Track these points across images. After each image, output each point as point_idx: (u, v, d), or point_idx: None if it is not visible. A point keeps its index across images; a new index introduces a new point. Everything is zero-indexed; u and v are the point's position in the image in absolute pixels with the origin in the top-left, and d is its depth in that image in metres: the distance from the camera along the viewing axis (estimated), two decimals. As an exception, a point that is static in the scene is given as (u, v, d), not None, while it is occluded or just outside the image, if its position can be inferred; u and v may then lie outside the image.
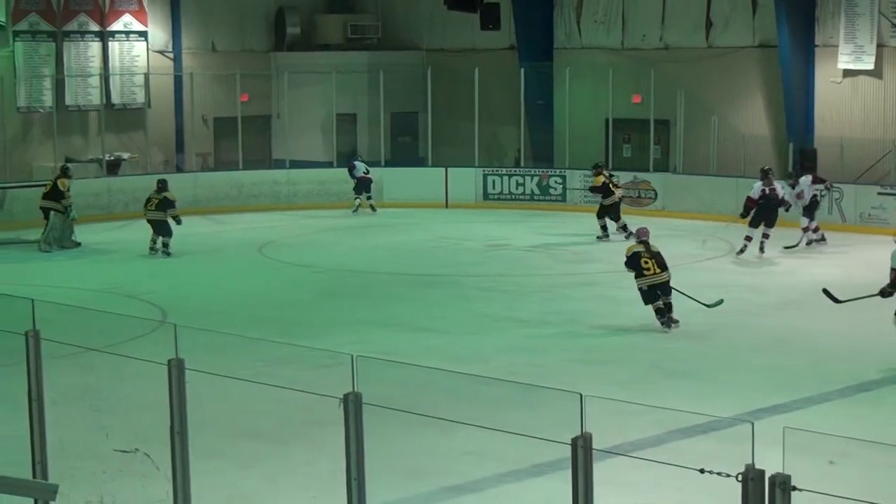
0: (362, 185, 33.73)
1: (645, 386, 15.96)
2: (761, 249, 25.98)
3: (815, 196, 27.21)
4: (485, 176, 35.27)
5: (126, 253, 26.47)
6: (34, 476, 9.52)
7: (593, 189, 29.84)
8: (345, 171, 35.17)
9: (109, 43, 36.22)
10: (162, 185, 27.27)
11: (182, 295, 22.79)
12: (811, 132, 31.65)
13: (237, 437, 13.53)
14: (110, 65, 36.20)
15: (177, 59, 37.64)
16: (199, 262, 25.57)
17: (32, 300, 9.73)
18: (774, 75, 31.96)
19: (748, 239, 26.07)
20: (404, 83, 37.77)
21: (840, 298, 18.25)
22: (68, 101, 35.53)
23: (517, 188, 34.98)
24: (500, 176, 35.22)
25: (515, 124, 36.07)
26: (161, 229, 26.81)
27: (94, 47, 36.03)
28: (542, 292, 22.71)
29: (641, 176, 33.38)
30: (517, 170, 35.50)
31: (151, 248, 26.85)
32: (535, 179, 34.92)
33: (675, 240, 28.46)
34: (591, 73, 35.30)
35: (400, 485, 11.66)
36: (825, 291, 18.43)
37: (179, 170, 36.27)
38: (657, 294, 19.43)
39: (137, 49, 36.74)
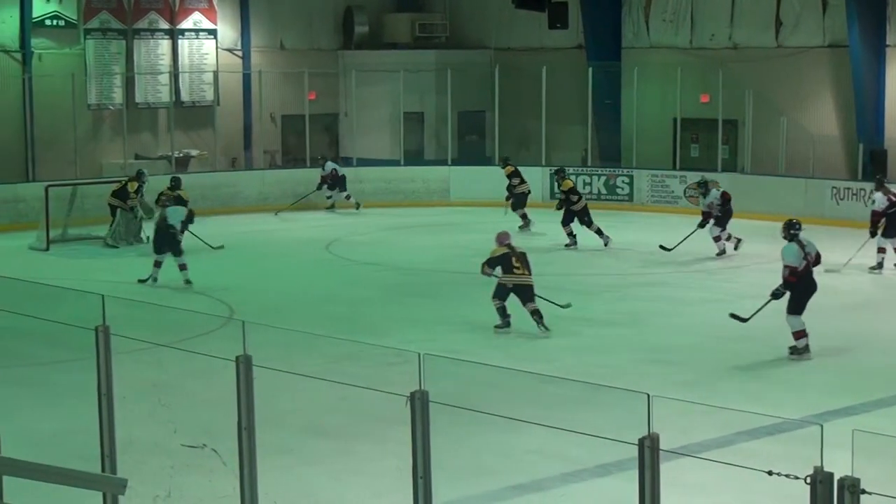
0: (336, 182, 33.71)
1: (712, 387, 15.88)
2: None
3: None
4: (551, 175, 35.15)
5: (194, 249, 26.57)
6: (103, 470, 9.59)
7: (568, 193, 27.93)
8: (410, 169, 35.35)
9: (179, 41, 36.47)
10: (175, 183, 27.14)
11: (249, 291, 22.89)
12: (881, 133, 31.39)
13: (303, 433, 13.57)
14: (180, 62, 36.46)
15: (245, 57, 37.85)
16: (266, 260, 25.68)
17: (102, 296, 9.80)
18: (845, 75, 31.70)
19: (882, 251, 24.74)
20: (472, 82, 37.75)
21: (745, 317, 18.15)
22: (138, 98, 35.80)
23: (584, 187, 34.83)
24: (568, 175, 35.10)
25: (583, 124, 35.97)
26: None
27: (164, 45, 36.29)
28: (608, 292, 22.65)
29: (709, 176, 33.13)
30: (584, 169, 35.41)
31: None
32: (603, 179, 34.82)
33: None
34: (659, 72, 35.16)
35: (465, 483, 11.66)
36: (732, 315, 18.35)
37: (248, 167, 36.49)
38: (510, 294, 19.19)
39: (207, 47, 36.97)
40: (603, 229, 27.48)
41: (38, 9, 33.76)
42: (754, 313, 17.98)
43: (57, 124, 33.67)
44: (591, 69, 35.49)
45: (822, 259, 18.35)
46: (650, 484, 6.74)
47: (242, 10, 37.81)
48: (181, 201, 26.15)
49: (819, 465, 6.22)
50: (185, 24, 36.55)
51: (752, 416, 12.82)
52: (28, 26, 33.50)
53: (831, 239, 28.03)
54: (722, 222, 26.36)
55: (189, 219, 23.96)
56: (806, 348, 17.32)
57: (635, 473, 6.79)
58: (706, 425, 13.16)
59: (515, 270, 19.13)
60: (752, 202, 32.10)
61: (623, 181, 34.54)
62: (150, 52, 36.08)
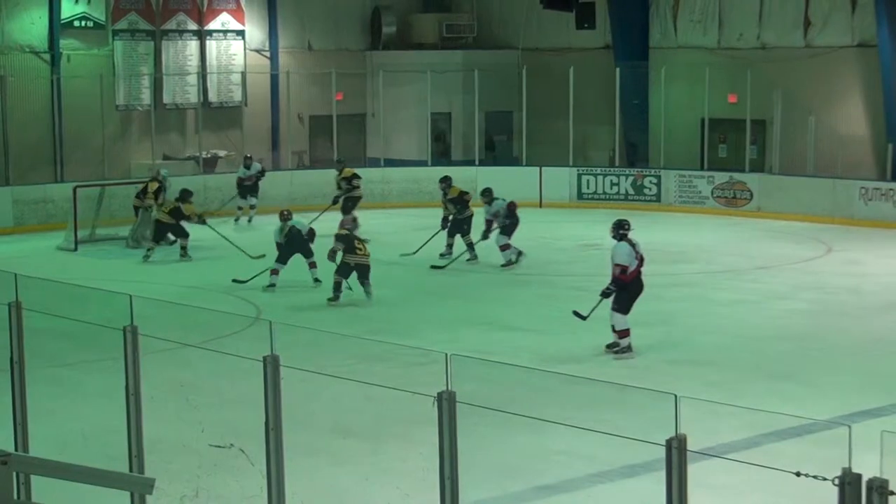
0: (248, 189, 32.21)
1: (739, 387, 15.84)
2: None
3: None
4: (579, 175, 35.17)
5: (222, 249, 26.59)
6: (130, 470, 9.62)
7: (454, 201, 26.66)
8: (438, 169, 35.30)
9: (207, 42, 36.56)
10: (182, 195, 27.00)
11: (276, 291, 22.91)
12: (911, 133, 31.26)
13: (330, 433, 13.58)
14: (208, 63, 36.54)
15: (273, 58, 37.92)
16: (293, 260, 25.64)
17: (130, 296, 9.83)
18: (874, 75, 31.56)
19: None
20: (499, 82, 37.72)
21: (584, 314, 18.21)
22: (166, 99, 35.90)
23: (611, 188, 34.86)
24: (595, 175, 35.11)
25: (610, 124, 35.93)
26: (161, 233, 26.90)
27: (192, 46, 36.38)
28: (636, 292, 22.58)
29: (737, 176, 33.13)
30: (612, 169, 35.38)
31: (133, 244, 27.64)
32: (630, 179, 34.77)
33: (771, 241, 28.31)
34: (687, 72, 35.07)
35: (492, 484, 11.65)
36: (574, 313, 18.36)
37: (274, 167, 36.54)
38: (351, 273, 21.66)
39: (235, 48, 37.05)
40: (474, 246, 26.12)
41: (67, 10, 33.88)
42: (591, 311, 18.06)
43: (85, 125, 33.80)
44: (618, 69, 35.43)
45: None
46: (678, 485, 6.73)
47: (270, 11, 37.87)
48: (179, 215, 26.15)
49: (847, 466, 6.19)
50: (213, 24, 36.63)
51: (779, 416, 12.79)
52: (57, 27, 33.62)
53: (860, 240, 28.05)
54: (508, 231, 25.54)
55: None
56: (629, 347, 17.48)
57: (663, 474, 6.78)
58: (734, 426, 13.12)
59: (358, 251, 21.68)
60: (780, 202, 32.07)
61: (651, 181, 34.49)
62: (178, 52, 36.18)
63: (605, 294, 17.57)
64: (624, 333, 17.49)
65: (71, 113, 33.80)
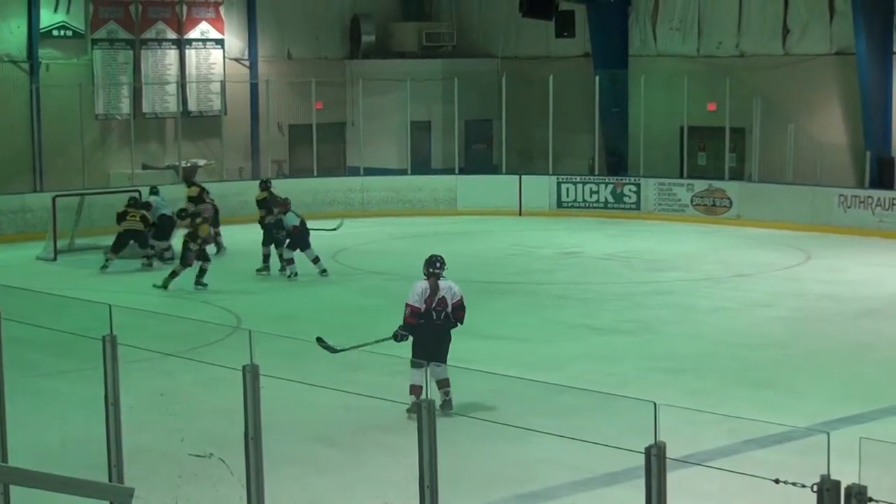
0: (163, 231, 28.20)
1: (720, 395, 15.85)
2: None
3: None
4: (559, 183, 35.21)
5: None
6: (110, 479, 9.60)
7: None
8: (417, 178, 35.49)
9: (186, 51, 36.52)
10: (134, 201, 27.36)
11: (256, 301, 22.91)
12: (889, 141, 31.36)
13: (311, 442, 13.56)
14: (187, 72, 36.50)
15: (253, 67, 37.90)
16: (273, 269, 25.63)
17: (109, 305, 9.81)
18: (852, 83, 31.66)
19: None
20: (479, 91, 37.76)
21: (336, 348, 15.43)
22: (145, 108, 35.84)
23: (591, 196, 34.90)
24: (574, 184, 35.15)
25: (590, 132, 35.97)
26: (123, 243, 26.81)
27: (171, 55, 36.34)
28: (617, 300, 22.63)
29: (717, 184, 33.21)
30: (591, 178, 35.42)
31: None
32: (610, 187, 34.82)
33: (750, 249, 28.38)
34: (666, 80, 35.12)
35: (473, 492, 11.63)
36: (318, 340, 15.43)
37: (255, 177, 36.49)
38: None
39: (214, 57, 37.02)
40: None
41: (46, 19, 33.82)
42: (351, 347, 15.48)
43: (64, 134, 33.73)
44: (598, 77, 35.48)
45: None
46: (657, 492, 6.73)
47: (249, 20, 37.86)
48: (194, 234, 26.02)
49: (826, 473, 6.20)
50: (193, 34, 36.60)
51: (759, 424, 12.81)
52: (36, 36, 33.56)
53: (840, 247, 28.14)
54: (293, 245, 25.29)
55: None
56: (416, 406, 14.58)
57: (643, 482, 6.78)
58: (714, 434, 13.14)
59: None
60: (759, 210, 32.15)
61: (630, 189, 34.54)
62: (158, 62, 36.13)
63: (396, 337, 14.87)
64: (412, 389, 14.17)
65: (50, 122, 33.74)
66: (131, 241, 26.80)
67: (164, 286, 23.70)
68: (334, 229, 26.24)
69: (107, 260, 26.52)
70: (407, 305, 14.81)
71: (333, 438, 13.74)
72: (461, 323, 14.97)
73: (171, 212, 27.58)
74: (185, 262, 24.05)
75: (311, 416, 14.01)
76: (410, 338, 14.80)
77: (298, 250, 25.01)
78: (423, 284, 14.90)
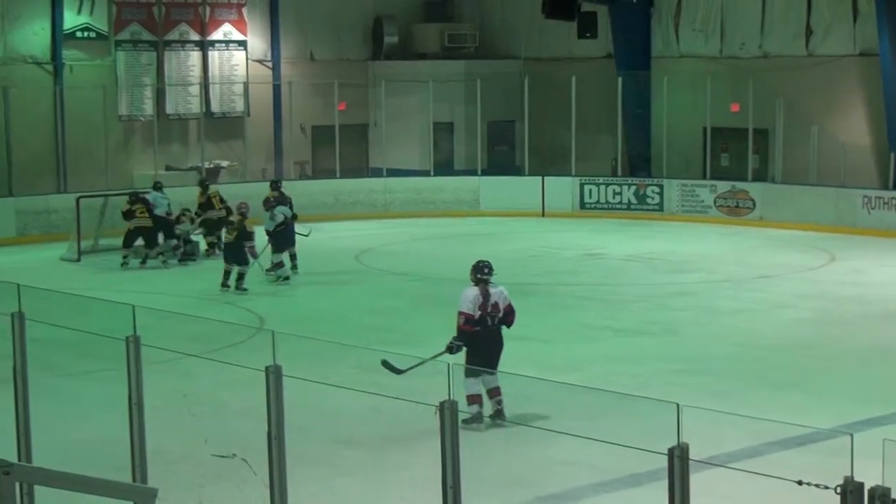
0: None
1: (743, 396, 15.82)
2: None
3: None
4: (581, 185, 35.18)
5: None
6: (133, 480, 9.62)
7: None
8: (440, 179, 35.48)
9: (209, 52, 36.60)
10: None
11: (279, 302, 22.94)
12: (913, 142, 31.25)
13: (334, 443, 13.58)
14: (210, 74, 36.58)
15: (275, 68, 37.96)
16: (314, 271, 25.68)
17: (133, 306, 9.84)
18: (876, 84, 31.54)
19: None
20: (501, 92, 37.75)
21: (401, 368, 14.46)
22: (169, 109, 35.93)
23: (614, 197, 34.86)
24: (597, 185, 35.12)
25: (612, 133, 35.94)
26: (132, 239, 27.17)
27: (195, 56, 36.42)
28: (639, 301, 22.60)
29: (740, 185, 33.13)
30: (614, 179, 35.38)
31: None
32: (633, 188, 34.77)
33: (774, 250, 28.32)
34: (689, 81, 35.07)
35: (495, 494, 11.63)
36: (384, 363, 14.47)
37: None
38: (230, 258, 23.74)
39: (237, 58, 37.09)
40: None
41: (70, 21, 33.94)
42: (413, 366, 14.59)
43: (88, 136, 33.85)
44: (620, 79, 35.44)
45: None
46: (680, 494, 6.72)
47: (272, 22, 37.92)
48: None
49: (849, 474, 6.19)
50: (216, 35, 36.67)
51: (782, 426, 12.76)
52: (59, 38, 33.69)
53: (863, 248, 28.05)
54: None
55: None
56: (475, 417, 13.96)
57: (666, 483, 6.77)
58: (736, 435, 13.10)
59: (228, 235, 23.91)
60: (783, 211, 32.08)
61: (653, 191, 34.49)
62: (181, 63, 36.21)
63: (450, 349, 14.51)
64: (470, 399, 14.10)
65: (74, 123, 33.86)
66: (140, 239, 27.04)
67: (241, 289, 23.71)
68: (306, 235, 26.29)
69: (124, 257, 26.72)
70: (460, 314, 14.57)
71: (356, 439, 13.75)
72: (509, 326, 14.84)
73: (166, 211, 27.62)
74: (245, 261, 24.01)
75: (333, 418, 14.02)
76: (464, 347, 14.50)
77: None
78: (473, 291, 14.67)
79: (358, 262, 27.51)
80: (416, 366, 14.36)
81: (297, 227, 26.05)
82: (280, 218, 25.32)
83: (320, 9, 38.75)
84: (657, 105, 35.76)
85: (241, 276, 23.63)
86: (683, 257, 27.57)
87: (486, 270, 14.77)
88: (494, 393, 14.21)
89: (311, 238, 26.08)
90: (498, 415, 14.04)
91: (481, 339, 14.50)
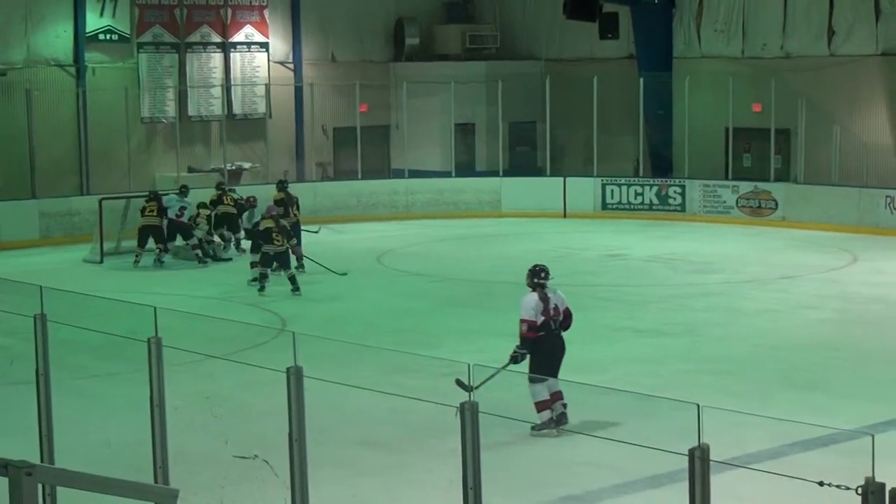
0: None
1: (764, 397, 15.80)
2: None
3: None
4: (603, 185, 35.15)
5: (246, 261, 26.66)
6: (155, 481, 9.65)
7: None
8: (461, 180, 35.52)
9: (231, 54, 36.65)
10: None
11: (301, 303, 22.97)
12: (936, 141, 31.17)
13: (355, 444, 13.59)
14: (232, 75, 36.64)
15: (297, 70, 38.00)
16: (317, 271, 25.70)
17: (154, 308, 9.87)
18: (898, 84, 31.49)
19: None
20: (523, 93, 37.73)
21: (472, 385, 14.60)
22: (191, 111, 36.00)
23: (636, 198, 34.83)
24: (619, 185, 35.09)
25: (634, 134, 35.90)
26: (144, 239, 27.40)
27: (216, 58, 36.48)
28: (661, 302, 22.57)
29: (762, 186, 33.07)
30: (636, 179, 35.35)
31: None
32: (654, 189, 34.73)
33: (796, 251, 28.26)
34: (710, 82, 35.01)
35: (516, 494, 11.64)
36: (458, 382, 12.58)
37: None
38: (274, 262, 23.56)
39: (258, 60, 37.14)
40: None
41: (92, 23, 34.02)
42: (483, 382, 13.12)
43: (110, 138, 33.93)
44: (642, 79, 35.39)
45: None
46: (700, 495, 6.72)
47: (294, 23, 37.97)
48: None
49: (871, 475, 6.18)
50: (237, 37, 36.73)
51: (804, 426, 12.74)
52: (82, 41, 33.78)
53: (886, 249, 27.98)
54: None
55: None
56: (547, 423, 13.93)
57: (686, 484, 6.77)
58: (758, 436, 13.09)
59: (276, 242, 23.39)
60: (805, 212, 32.00)
61: (675, 191, 34.45)
62: (203, 65, 36.28)
63: (514, 359, 14.29)
64: (540, 406, 14.04)
65: (96, 126, 33.95)
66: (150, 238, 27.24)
67: (260, 289, 23.75)
68: (315, 231, 27.16)
69: (136, 256, 27.01)
70: (522, 321, 14.34)
71: (377, 440, 13.77)
72: (566, 330, 14.73)
73: (176, 214, 27.65)
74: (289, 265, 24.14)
75: (354, 419, 14.04)
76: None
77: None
78: (533, 297, 14.52)
79: (379, 263, 27.54)
80: (485, 381, 14.06)
81: (306, 225, 26.76)
82: (258, 217, 25.48)
83: (342, 10, 38.78)
84: (679, 105, 35.70)
85: (292, 279, 23.73)
86: (705, 258, 27.53)
87: (542, 275, 14.72)
88: (557, 397, 14.11)
89: (333, 239, 26.16)
90: (562, 419, 13.97)
91: (545, 344, 14.37)
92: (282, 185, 27.63)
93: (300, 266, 25.41)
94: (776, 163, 33.63)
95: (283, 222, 24.34)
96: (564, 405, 14.03)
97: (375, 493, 12.26)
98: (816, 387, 16.41)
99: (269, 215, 24.26)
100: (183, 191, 28.47)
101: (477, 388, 14.12)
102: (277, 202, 26.76)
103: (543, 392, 13.98)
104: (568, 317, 14.69)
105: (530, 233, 32.03)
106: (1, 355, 16.89)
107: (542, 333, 14.32)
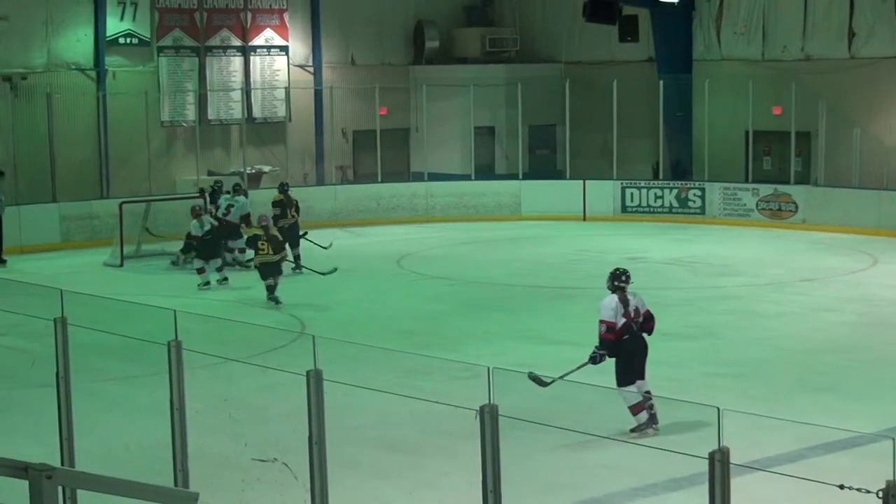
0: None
1: (785, 400, 15.76)
2: None
3: None
4: (623, 188, 35.12)
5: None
6: (175, 484, 9.67)
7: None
8: (481, 183, 35.53)
9: (251, 57, 36.71)
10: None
11: (320, 306, 22.99)
12: (956, 144, 31.07)
13: (374, 447, 13.60)
14: (252, 79, 36.69)
15: (317, 73, 38.04)
16: (337, 274, 25.73)
17: (174, 311, 9.89)
18: (919, 86, 31.41)
19: None
20: (542, 96, 37.73)
21: (546, 380, 14.02)
22: (210, 115, 36.05)
23: (655, 201, 34.78)
24: (639, 188, 35.05)
25: (654, 137, 35.86)
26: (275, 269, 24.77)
27: (236, 62, 36.54)
28: (681, 305, 22.51)
29: (782, 188, 33.00)
30: (656, 182, 35.31)
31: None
32: (674, 192, 34.69)
33: (816, 253, 28.19)
34: (730, 84, 34.97)
35: (536, 497, 11.64)
36: (531, 376, 14.03)
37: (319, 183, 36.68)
38: (267, 273, 23.01)
39: (278, 63, 37.19)
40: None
41: (112, 27, 34.09)
42: (559, 377, 14.14)
43: (131, 141, 34.00)
44: (661, 82, 35.34)
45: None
46: (721, 498, 6.70)
47: (314, 27, 38.01)
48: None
49: (892, 478, 6.16)
50: (257, 40, 36.78)
51: (824, 430, 12.72)
52: (102, 45, 33.85)
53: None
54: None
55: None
56: (646, 423, 13.96)
57: (706, 488, 6.76)
58: (778, 439, 13.07)
59: (261, 252, 23.04)
60: (825, 215, 31.91)
61: (695, 194, 34.39)
62: (223, 68, 36.34)
63: (594, 360, 14.44)
64: (634, 409, 14.09)
65: (116, 129, 34.02)
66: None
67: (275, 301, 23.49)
68: (326, 247, 27.34)
69: (180, 261, 27.43)
70: (602, 322, 14.45)
71: (397, 443, 13.78)
72: (649, 334, 14.76)
73: (223, 213, 27.52)
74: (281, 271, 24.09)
75: (373, 422, 14.05)
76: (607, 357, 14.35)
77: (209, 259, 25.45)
78: (613, 299, 14.57)
79: (399, 266, 27.55)
80: (560, 378, 14.15)
81: (317, 239, 27.19)
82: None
83: (361, 14, 38.82)
84: (699, 108, 35.63)
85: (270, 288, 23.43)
86: (725, 261, 27.48)
87: (623, 278, 14.77)
88: (647, 397, 14.10)
89: (353, 242, 26.18)
90: (652, 420, 13.98)
91: (628, 346, 14.44)
92: (283, 188, 27.74)
93: (297, 268, 25.57)
94: (796, 165, 33.54)
95: (275, 232, 23.86)
96: (652, 406, 14.02)
97: (395, 495, 12.27)
98: (837, 390, 16.37)
99: (260, 224, 23.84)
100: (236, 189, 28.40)
101: (551, 383, 14.38)
102: (276, 203, 26.92)
103: (634, 395, 14.07)
104: (649, 319, 14.79)
105: (550, 236, 32.01)
106: (22, 358, 16.96)
107: (625, 337, 14.41)
